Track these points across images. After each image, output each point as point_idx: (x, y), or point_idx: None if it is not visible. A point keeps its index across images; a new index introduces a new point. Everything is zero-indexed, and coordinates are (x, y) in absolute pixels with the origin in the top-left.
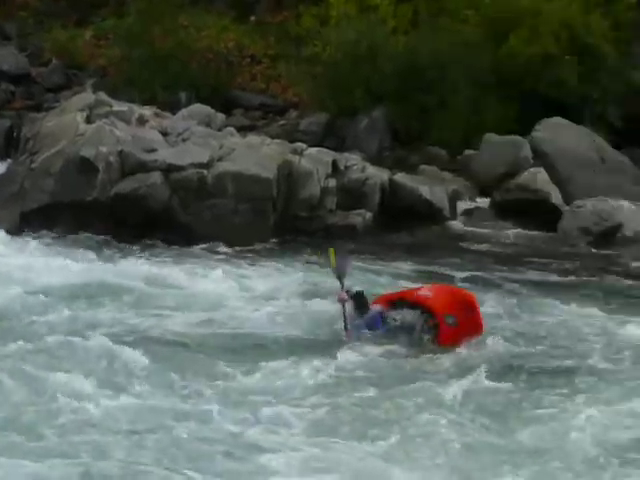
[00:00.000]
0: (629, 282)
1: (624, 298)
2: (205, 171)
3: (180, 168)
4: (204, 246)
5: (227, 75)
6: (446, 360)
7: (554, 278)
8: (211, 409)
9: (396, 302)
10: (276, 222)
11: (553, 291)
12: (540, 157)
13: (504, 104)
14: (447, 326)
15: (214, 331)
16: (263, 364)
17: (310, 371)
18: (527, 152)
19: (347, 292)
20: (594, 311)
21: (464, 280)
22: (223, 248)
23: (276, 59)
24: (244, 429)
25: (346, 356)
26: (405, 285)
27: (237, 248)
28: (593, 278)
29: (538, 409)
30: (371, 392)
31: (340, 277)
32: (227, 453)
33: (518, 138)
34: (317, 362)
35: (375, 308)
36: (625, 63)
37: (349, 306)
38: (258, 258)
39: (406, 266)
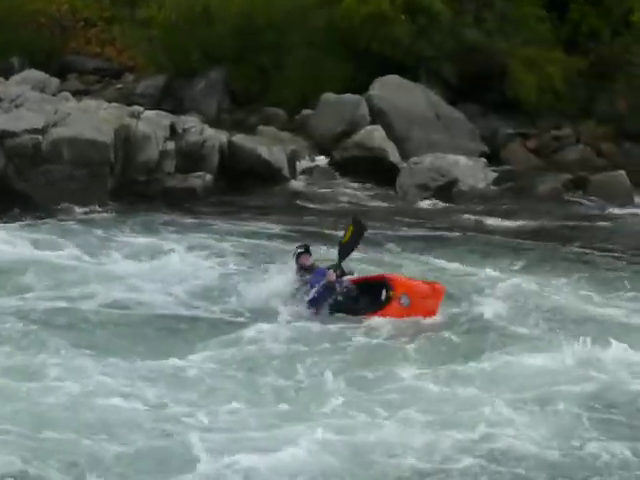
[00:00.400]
0: (483, 236)
1: (488, 250)
2: (40, 137)
3: (14, 134)
4: (45, 214)
5: (61, 39)
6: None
7: (408, 234)
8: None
9: (362, 282)
10: (114, 186)
11: (416, 247)
12: (377, 115)
13: (340, 64)
14: (398, 303)
15: (121, 310)
16: (193, 344)
17: (245, 347)
18: (364, 110)
19: (336, 272)
20: (468, 266)
21: (311, 236)
22: (64, 215)
23: (111, 22)
24: (179, 407)
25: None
26: (251, 244)
27: (80, 216)
28: (448, 233)
29: (471, 363)
30: (305, 364)
31: (342, 257)
32: (161, 432)
33: (355, 97)
34: (246, 338)
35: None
36: (458, 21)
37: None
38: (113, 224)
39: (251, 227)
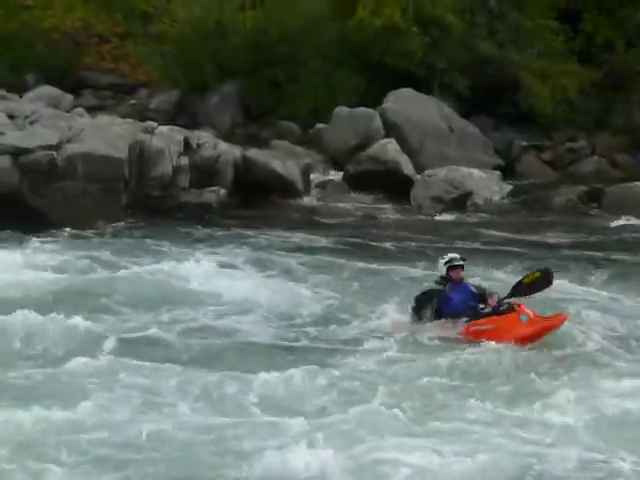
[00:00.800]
0: (508, 249)
1: (527, 263)
2: (54, 153)
3: (28, 151)
4: (67, 230)
5: (74, 55)
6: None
7: (431, 247)
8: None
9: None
10: (128, 202)
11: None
12: (391, 128)
13: (354, 77)
14: (518, 316)
15: (220, 339)
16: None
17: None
18: (378, 124)
19: (499, 300)
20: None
21: (329, 250)
22: (85, 232)
23: (124, 38)
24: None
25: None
26: (308, 260)
27: (102, 231)
28: (471, 245)
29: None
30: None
31: (512, 294)
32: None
33: (368, 110)
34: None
35: None
36: (470, 33)
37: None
38: (148, 240)
39: (293, 240)
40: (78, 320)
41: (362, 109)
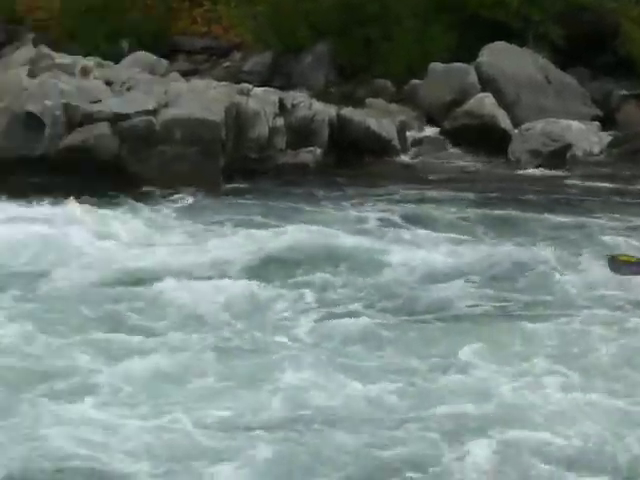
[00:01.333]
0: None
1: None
2: (152, 118)
3: (126, 117)
4: (166, 195)
5: (167, 20)
6: None
7: (525, 204)
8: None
9: None
10: (226, 164)
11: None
12: (486, 82)
13: (447, 32)
14: None
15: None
16: None
17: None
18: (473, 78)
19: None
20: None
21: (430, 207)
22: (184, 195)
23: (216, 1)
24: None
25: None
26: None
27: (201, 194)
28: (579, 197)
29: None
30: None
31: None
32: None
33: (463, 65)
34: None
35: None
36: None
37: None
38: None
39: (367, 202)
40: (280, 291)
41: (457, 64)
